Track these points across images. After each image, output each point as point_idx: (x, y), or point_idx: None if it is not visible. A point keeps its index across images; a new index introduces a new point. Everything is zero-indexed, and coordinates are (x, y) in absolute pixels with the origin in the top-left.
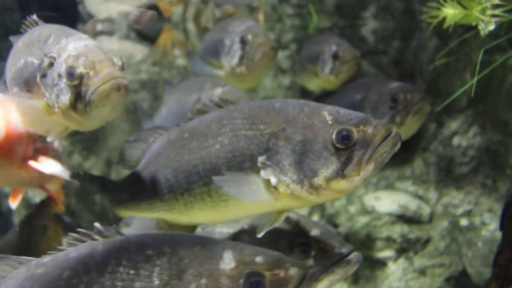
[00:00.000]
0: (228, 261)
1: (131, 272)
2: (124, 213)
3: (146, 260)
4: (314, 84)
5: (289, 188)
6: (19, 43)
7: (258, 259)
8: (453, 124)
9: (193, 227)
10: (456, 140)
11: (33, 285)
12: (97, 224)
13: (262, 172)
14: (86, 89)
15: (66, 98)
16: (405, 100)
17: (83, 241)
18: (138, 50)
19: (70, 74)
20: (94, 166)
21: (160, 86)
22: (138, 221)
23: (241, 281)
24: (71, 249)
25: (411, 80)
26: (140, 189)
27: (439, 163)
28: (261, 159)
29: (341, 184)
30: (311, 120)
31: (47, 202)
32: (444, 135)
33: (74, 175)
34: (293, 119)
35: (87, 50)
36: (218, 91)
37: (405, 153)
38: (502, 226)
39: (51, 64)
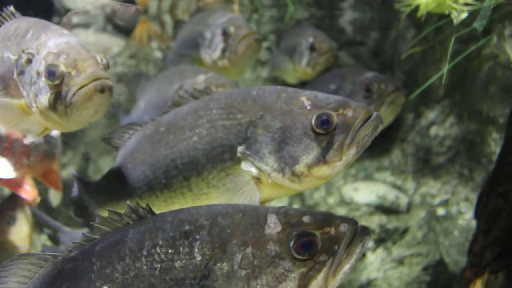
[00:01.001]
0: (273, 225)
1: (170, 251)
2: (105, 214)
3: (185, 236)
4: (291, 76)
5: (271, 177)
6: None
7: (305, 219)
8: (431, 115)
9: None
10: (433, 130)
11: (62, 282)
12: (128, 202)
13: (243, 163)
14: (67, 90)
15: (45, 98)
16: (379, 90)
17: (111, 222)
18: (115, 43)
19: (51, 72)
20: (72, 161)
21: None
22: None
23: (291, 243)
24: (98, 239)
25: (390, 71)
26: (118, 188)
27: (417, 153)
28: (240, 149)
29: (323, 170)
30: (289, 106)
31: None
32: (421, 125)
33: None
34: (271, 106)
35: (68, 47)
36: (201, 78)
37: (384, 144)
38: (477, 215)
39: (29, 61)
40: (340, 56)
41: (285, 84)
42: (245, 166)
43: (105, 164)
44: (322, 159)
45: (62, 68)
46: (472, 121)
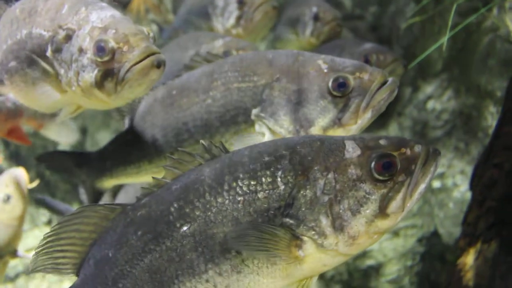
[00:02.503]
0: (352, 150)
1: (252, 182)
2: (108, 182)
3: (266, 167)
4: (295, 47)
5: None
6: (16, 11)
7: (382, 142)
8: (428, 88)
9: None
10: (430, 104)
11: (137, 229)
12: (202, 141)
13: (257, 126)
14: (119, 66)
15: (90, 76)
16: (377, 61)
17: (183, 164)
18: None
19: (100, 48)
20: None
21: None
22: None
23: (372, 164)
24: (170, 183)
25: (388, 45)
26: (126, 153)
27: (413, 127)
28: (255, 111)
29: (338, 133)
30: (306, 69)
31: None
32: (419, 99)
33: (41, 158)
34: (287, 69)
35: (115, 21)
36: (219, 43)
37: (381, 117)
38: (472, 186)
39: (68, 37)
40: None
41: None
42: (259, 128)
43: (103, 138)
44: (337, 122)
45: (112, 43)
46: (470, 95)
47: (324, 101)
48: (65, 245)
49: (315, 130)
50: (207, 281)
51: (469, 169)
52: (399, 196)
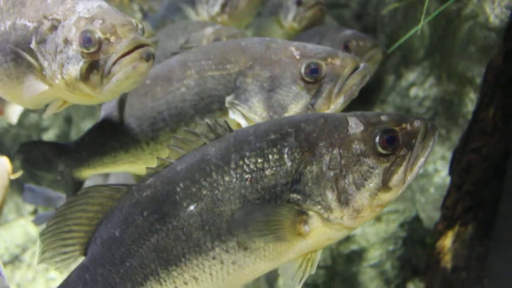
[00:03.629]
0: (355, 126)
1: (259, 160)
2: (86, 173)
3: (272, 145)
4: (278, 34)
5: None
6: (0, 2)
7: (383, 117)
8: (411, 76)
9: None
10: (413, 91)
11: (143, 209)
12: (207, 120)
13: (230, 113)
14: (106, 58)
15: (75, 68)
16: (357, 47)
17: (187, 144)
18: None
19: (86, 39)
20: (53, 124)
21: None
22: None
23: (377, 139)
24: (175, 163)
25: (373, 33)
26: (103, 143)
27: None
28: (229, 98)
29: None
30: (278, 56)
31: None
32: (402, 86)
33: (21, 149)
34: (260, 56)
35: (103, 12)
36: (209, 30)
37: (364, 105)
38: (451, 171)
39: (53, 28)
40: (324, 21)
41: None
42: (232, 115)
43: (88, 127)
44: (310, 108)
45: (99, 34)
46: (451, 82)
47: (297, 87)
48: (72, 225)
49: None
50: (213, 258)
51: (449, 155)
52: (401, 170)
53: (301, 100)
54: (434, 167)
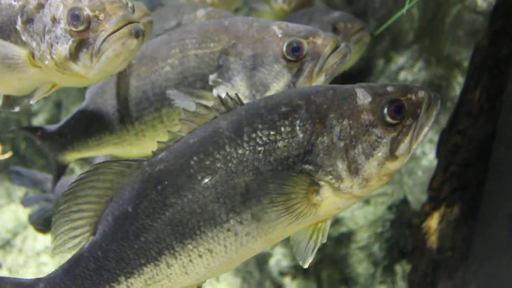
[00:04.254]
0: (363, 97)
1: (271, 132)
2: (71, 156)
3: (284, 117)
4: (269, 15)
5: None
6: None
7: (389, 88)
8: (400, 59)
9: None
10: (402, 75)
11: (157, 183)
12: (217, 93)
13: (214, 91)
14: (95, 36)
15: (64, 47)
16: (345, 29)
17: (198, 117)
18: None
19: (75, 17)
20: (43, 109)
21: None
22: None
23: (385, 109)
24: (187, 137)
25: (364, 18)
26: (88, 125)
27: None
28: (212, 77)
29: None
30: (261, 34)
31: None
32: (391, 70)
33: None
34: (243, 35)
35: None
36: (201, 13)
37: None
38: (438, 153)
39: (40, 6)
40: (314, 2)
41: None
42: (216, 92)
43: None
44: (292, 86)
45: (87, 11)
46: (439, 66)
47: (278, 66)
48: (82, 204)
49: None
50: (228, 230)
51: (437, 138)
52: (407, 139)
53: (283, 78)
54: (422, 150)
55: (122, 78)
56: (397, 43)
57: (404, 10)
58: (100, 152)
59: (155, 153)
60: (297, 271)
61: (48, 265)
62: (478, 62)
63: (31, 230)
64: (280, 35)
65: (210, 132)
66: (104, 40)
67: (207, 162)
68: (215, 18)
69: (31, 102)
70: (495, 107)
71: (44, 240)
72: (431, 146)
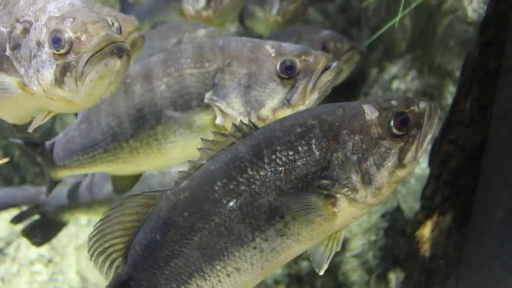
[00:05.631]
0: (370, 112)
1: (290, 153)
2: (62, 173)
3: (300, 137)
4: (263, 26)
5: (237, 121)
6: None
7: (394, 102)
8: (393, 69)
9: (137, 176)
10: (395, 84)
11: (183, 210)
12: (233, 121)
13: (210, 109)
14: (78, 58)
15: (49, 72)
16: (335, 48)
17: (217, 145)
18: None
19: (56, 39)
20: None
21: None
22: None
23: (392, 123)
24: (207, 164)
25: (357, 27)
26: (81, 143)
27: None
28: (208, 95)
29: (287, 113)
30: (254, 54)
31: None
32: (384, 79)
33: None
34: (237, 54)
35: (74, 10)
36: (201, 32)
37: (348, 98)
38: (430, 162)
39: (26, 31)
40: (308, 12)
41: (258, 37)
42: (212, 111)
43: (72, 122)
44: (286, 103)
45: (69, 33)
46: (432, 75)
47: (272, 83)
48: (111, 239)
49: (265, 111)
50: (254, 248)
51: (430, 147)
52: (413, 148)
53: (277, 95)
54: None
55: (116, 96)
56: (390, 53)
57: (396, 20)
58: (93, 169)
59: (177, 182)
60: (291, 279)
61: (42, 274)
62: (469, 73)
63: (24, 239)
64: (273, 54)
65: (231, 157)
66: (86, 62)
67: (231, 186)
68: (215, 38)
69: (29, 130)
70: (486, 117)
71: (38, 249)
72: (424, 155)
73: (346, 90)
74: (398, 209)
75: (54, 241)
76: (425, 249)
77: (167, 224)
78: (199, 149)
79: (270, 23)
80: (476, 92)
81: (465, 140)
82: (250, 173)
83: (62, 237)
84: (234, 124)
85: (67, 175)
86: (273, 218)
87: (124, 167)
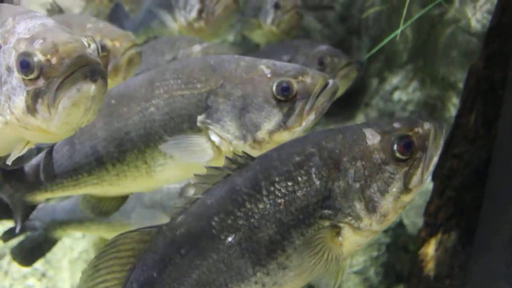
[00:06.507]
0: (372, 137)
1: (289, 184)
2: (42, 196)
3: (299, 167)
4: (259, 36)
5: (232, 144)
6: None
7: (396, 125)
8: (394, 79)
9: (124, 197)
10: (396, 95)
11: (180, 247)
12: (226, 155)
13: (203, 133)
14: (49, 83)
15: (20, 99)
16: (332, 63)
17: (211, 178)
18: (76, 4)
19: (24, 63)
20: None
21: None
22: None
23: (395, 147)
24: (203, 198)
25: (357, 36)
26: (63, 165)
27: (380, 118)
28: (200, 118)
29: (284, 136)
30: (249, 74)
31: None
32: (385, 90)
33: None
34: (230, 75)
35: (45, 30)
36: (196, 48)
37: (348, 109)
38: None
39: None
40: (307, 20)
41: (252, 47)
42: (205, 135)
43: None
44: (283, 125)
45: (39, 56)
46: (434, 86)
47: (269, 106)
48: (105, 275)
49: (262, 134)
50: (256, 283)
51: None
52: (419, 171)
53: (274, 118)
54: None
55: (100, 119)
56: (391, 63)
57: (397, 32)
58: (77, 192)
59: (173, 218)
60: None
61: None
62: (472, 85)
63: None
64: (269, 75)
65: (227, 190)
66: (58, 88)
67: (229, 221)
68: (211, 54)
69: (7, 162)
70: (491, 131)
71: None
72: None
73: (346, 101)
74: (400, 225)
75: (48, 254)
76: (430, 268)
77: (164, 261)
78: (193, 184)
79: (265, 33)
80: (481, 106)
81: (470, 155)
82: (248, 206)
83: (57, 250)
84: (227, 157)
85: (47, 197)
86: (275, 252)
87: (110, 189)
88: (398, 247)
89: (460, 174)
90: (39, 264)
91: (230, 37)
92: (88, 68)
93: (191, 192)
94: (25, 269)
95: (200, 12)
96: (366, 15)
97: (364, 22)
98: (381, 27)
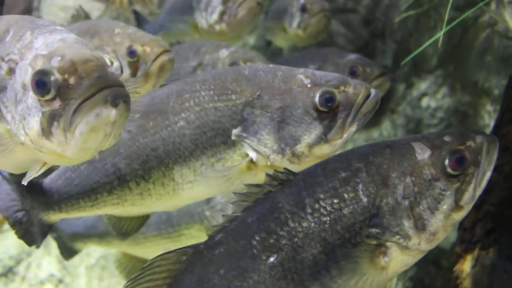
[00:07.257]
0: (421, 151)
1: (335, 201)
2: (56, 216)
3: (345, 183)
4: (283, 40)
5: (269, 159)
6: None
7: (447, 138)
8: (422, 85)
9: (146, 217)
10: (425, 101)
11: (219, 267)
12: (266, 171)
13: (239, 146)
14: (65, 105)
15: (35, 120)
16: (364, 73)
17: (251, 196)
18: (95, 7)
19: (40, 83)
20: None
21: None
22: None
23: (446, 162)
24: (243, 216)
25: (381, 39)
26: (80, 184)
27: (407, 125)
28: (236, 131)
29: (324, 149)
30: (288, 84)
31: None
32: (413, 96)
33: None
34: (268, 85)
35: (64, 46)
36: (223, 53)
37: (374, 115)
38: None
39: (11, 71)
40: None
41: (274, 50)
42: (241, 149)
43: None
44: (324, 138)
45: (56, 75)
46: (466, 93)
47: (309, 118)
48: None
49: (301, 148)
50: None
51: None
52: (471, 187)
53: (314, 130)
54: None
55: (124, 134)
56: (419, 68)
57: (440, 36)
58: (94, 213)
59: (211, 236)
60: None
61: None
62: None
63: (35, 257)
64: (309, 85)
65: (268, 208)
66: (75, 111)
67: (271, 241)
68: (239, 59)
69: (23, 183)
70: None
71: (48, 268)
72: None
73: None
74: None
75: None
76: (466, 285)
77: (201, 282)
78: (232, 202)
79: (291, 37)
80: None
81: (510, 168)
82: (292, 225)
83: (74, 257)
84: (268, 174)
85: (61, 218)
86: (319, 273)
87: (132, 209)
88: (428, 261)
89: (499, 188)
90: (56, 270)
91: (251, 40)
92: (109, 92)
93: (230, 209)
94: (42, 275)
95: (222, 14)
96: (398, 19)
97: (388, 26)
98: (408, 30)
